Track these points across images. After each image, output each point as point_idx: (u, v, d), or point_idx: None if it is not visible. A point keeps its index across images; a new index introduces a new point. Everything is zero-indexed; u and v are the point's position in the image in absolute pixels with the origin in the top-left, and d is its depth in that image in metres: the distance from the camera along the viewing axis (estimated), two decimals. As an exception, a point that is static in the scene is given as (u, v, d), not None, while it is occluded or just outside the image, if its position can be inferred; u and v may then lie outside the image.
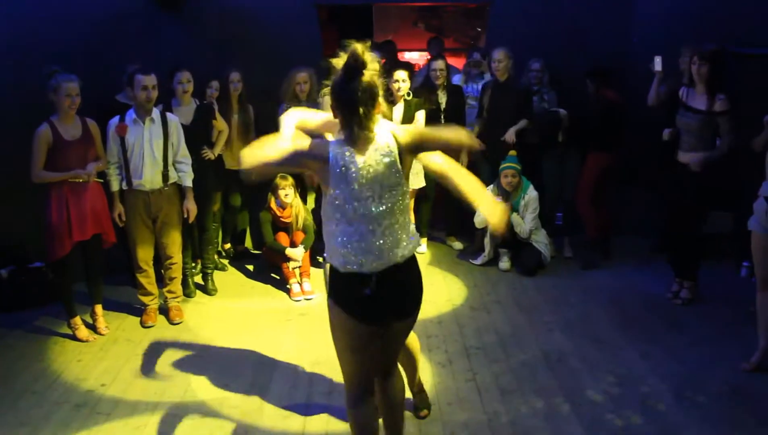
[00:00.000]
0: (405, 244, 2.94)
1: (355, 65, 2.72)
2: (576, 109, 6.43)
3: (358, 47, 2.72)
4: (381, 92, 2.84)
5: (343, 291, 2.95)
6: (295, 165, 2.99)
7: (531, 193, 6.27)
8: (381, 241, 2.86)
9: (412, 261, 3.00)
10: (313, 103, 6.23)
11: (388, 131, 2.87)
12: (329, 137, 3.09)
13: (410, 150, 2.88)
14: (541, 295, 5.79)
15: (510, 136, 6.40)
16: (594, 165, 6.30)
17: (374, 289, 2.86)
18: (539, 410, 4.04)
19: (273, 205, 6.02)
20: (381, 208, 2.84)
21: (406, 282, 2.99)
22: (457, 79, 7.25)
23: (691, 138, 5.22)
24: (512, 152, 6.30)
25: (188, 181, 5.29)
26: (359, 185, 2.80)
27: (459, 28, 11.40)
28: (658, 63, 5.84)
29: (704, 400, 4.14)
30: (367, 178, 2.80)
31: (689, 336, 5.00)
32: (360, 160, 2.80)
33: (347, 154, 2.80)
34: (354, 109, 2.76)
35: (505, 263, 6.37)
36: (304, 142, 2.90)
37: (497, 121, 6.47)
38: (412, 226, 2.94)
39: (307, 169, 2.97)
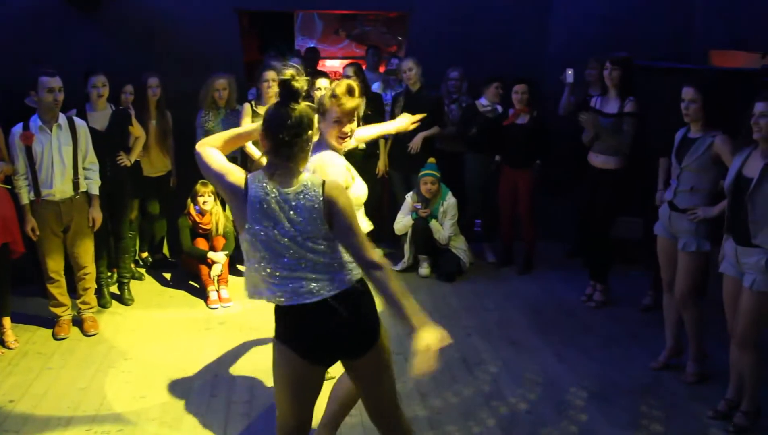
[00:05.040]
0: (326, 277, 2.72)
1: (288, 91, 2.66)
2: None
3: (289, 72, 2.66)
4: (314, 126, 2.75)
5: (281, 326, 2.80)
6: (215, 182, 2.80)
7: (450, 200, 6.38)
8: (300, 274, 2.69)
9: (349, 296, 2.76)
10: (233, 110, 6.19)
11: (318, 180, 2.75)
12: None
13: (329, 208, 2.70)
14: (459, 300, 5.90)
15: (416, 144, 6.48)
16: (532, 180, 6.42)
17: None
18: (459, 413, 4.13)
19: (192, 211, 5.94)
20: (297, 247, 2.68)
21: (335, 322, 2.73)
22: (376, 87, 7.32)
23: (603, 142, 5.44)
24: (431, 159, 6.40)
25: (95, 189, 5.12)
26: (276, 220, 2.66)
27: (380, 37, 11.51)
28: (570, 75, 6.09)
29: (617, 397, 4.33)
30: (284, 213, 2.67)
31: (602, 337, 5.19)
32: (280, 193, 2.67)
33: (266, 185, 2.67)
34: (280, 136, 2.66)
35: (424, 269, 6.45)
36: (231, 170, 2.75)
37: (410, 131, 6.54)
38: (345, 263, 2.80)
39: (224, 195, 2.80)
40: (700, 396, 4.33)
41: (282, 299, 2.70)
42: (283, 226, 2.67)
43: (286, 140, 2.67)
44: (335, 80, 4.65)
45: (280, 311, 2.78)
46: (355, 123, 3.42)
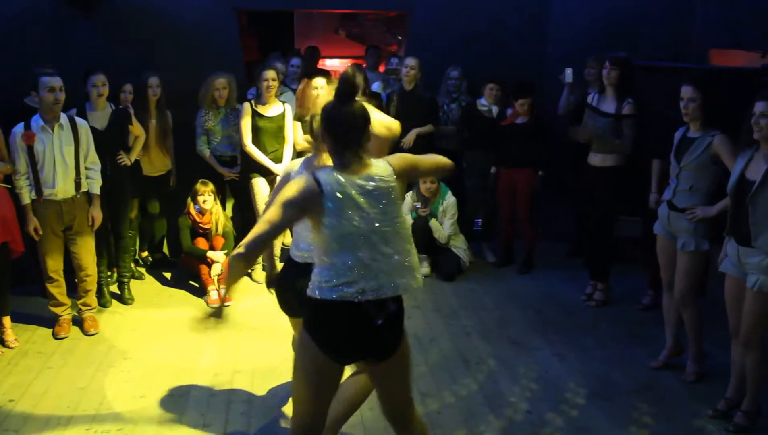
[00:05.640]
0: (409, 272, 2.80)
1: (348, 89, 2.75)
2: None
3: (350, 71, 2.76)
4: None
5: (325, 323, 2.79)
6: (294, 217, 2.78)
7: (449, 199, 6.37)
8: (379, 266, 2.74)
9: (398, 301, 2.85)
10: (232, 109, 6.19)
11: (384, 161, 2.85)
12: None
13: (402, 175, 2.86)
14: (459, 299, 5.90)
15: (409, 139, 6.47)
16: (532, 181, 6.40)
17: (385, 317, 2.76)
18: (458, 412, 4.13)
19: (192, 210, 5.94)
20: (381, 232, 2.75)
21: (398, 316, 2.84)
22: (376, 87, 7.32)
23: (599, 141, 5.44)
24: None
25: (96, 189, 5.12)
26: (355, 210, 2.72)
27: (380, 36, 11.50)
28: (569, 74, 6.09)
29: (617, 397, 4.33)
30: (364, 203, 2.73)
31: (602, 337, 5.19)
32: (356, 183, 2.73)
33: (342, 179, 2.72)
34: (346, 133, 2.75)
35: (424, 269, 6.43)
36: (288, 189, 2.73)
37: (405, 131, 6.53)
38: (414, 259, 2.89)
39: (306, 214, 2.78)
40: (700, 395, 4.33)
41: (352, 293, 2.71)
42: (363, 215, 2.72)
43: (355, 137, 2.77)
44: (335, 79, 4.64)
45: (317, 304, 2.78)
46: None
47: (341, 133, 2.76)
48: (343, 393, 3.40)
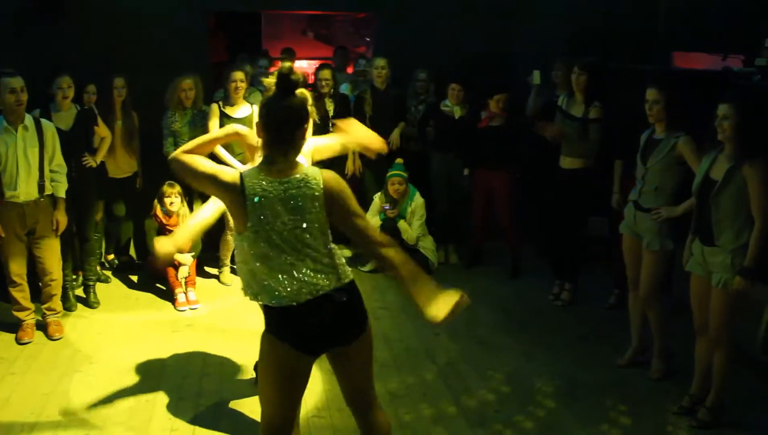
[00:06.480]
0: (327, 272, 2.77)
1: (285, 84, 2.68)
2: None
3: (286, 66, 2.70)
4: (312, 118, 2.77)
5: (280, 325, 2.78)
6: (207, 185, 2.74)
7: (418, 200, 6.39)
8: (303, 271, 2.71)
9: (346, 290, 2.83)
10: (199, 111, 6.14)
11: (317, 169, 2.77)
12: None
13: (330, 196, 2.73)
14: (429, 300, 5.89)
15: (396, 138, 6.53)
16: (509, 183, 6.38)
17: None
18: (428, 413, 4.14)
19: (159, 212, 5.88)
20: (298, 238, 2.70)
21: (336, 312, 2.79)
22: (344, 89, 7.32)
23: (568, 143, 5.50)
24: (399, 160, 6.40)
25: (61, 192, 5.03)
26: (278, 214, 2.66)
27: (348, 38, 11.49)
28: (536, 76, 6.14)
29: (584, 395, 4.38)
30: (285, 205, 2.67)
31: (569, 336, 5.25)
32: (278, 187, 2.67)
33: (265, 182, 2.66)
34: (278, 129, 2.69)
35: (393, 270, 6.43)
36: (221, 169, 2.72)
37: (379, 128, 6.54)
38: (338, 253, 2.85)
39: (219, 197, 2.77)
40: (665, 392, 4.40)
41: (283, 299, 2.69)
42: (285, 219, 2.68)
43: (287, 133, 2.70)
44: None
45: (266, 310, 2.77)
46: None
47: (273, 128, 2.70)
48: None
